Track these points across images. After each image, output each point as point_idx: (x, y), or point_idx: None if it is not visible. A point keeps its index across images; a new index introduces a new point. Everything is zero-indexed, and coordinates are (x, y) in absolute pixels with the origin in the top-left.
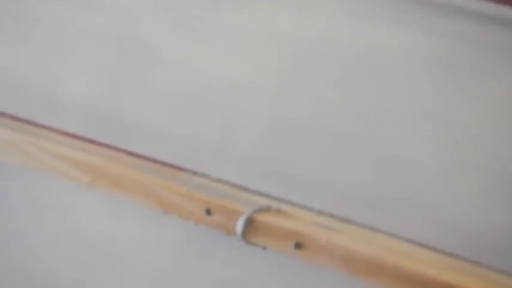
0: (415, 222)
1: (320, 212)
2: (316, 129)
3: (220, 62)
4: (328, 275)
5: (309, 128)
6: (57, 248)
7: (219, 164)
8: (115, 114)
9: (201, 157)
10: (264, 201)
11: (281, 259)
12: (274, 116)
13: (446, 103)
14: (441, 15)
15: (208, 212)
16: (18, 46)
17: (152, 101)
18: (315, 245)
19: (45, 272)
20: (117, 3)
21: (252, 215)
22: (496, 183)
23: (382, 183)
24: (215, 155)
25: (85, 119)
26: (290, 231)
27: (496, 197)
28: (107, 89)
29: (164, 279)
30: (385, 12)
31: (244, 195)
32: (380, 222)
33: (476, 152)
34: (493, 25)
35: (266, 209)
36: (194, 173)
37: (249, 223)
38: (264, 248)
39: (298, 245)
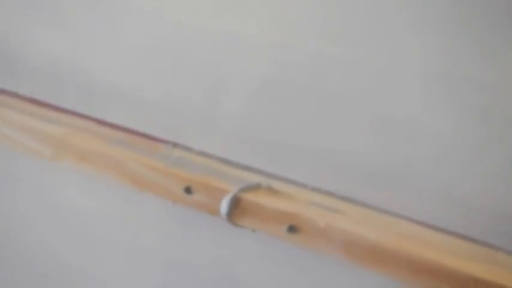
0: (426, 200)
1: (317, 190)
2: (314, 92)
3: (203, 14)
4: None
5: (306, 91)
6: (32, 225)
7: (202, 134)
8: (81, 76)
9: (182, 126)
10: (252, 178)
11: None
12: (266, 77)
13: (466, 62)
14: None
15: (188, 190)
16: None
17: (125, 60)
18: (311, 229)
19: (20, 249)
20: None
21: (238, 193)
22: None
23: (389, 155)
24: (197, 124)
25: (45, 80)
26: (282, 213)
27: None
28: (71, 46)
29: (146, 257)
30: None
31: (230, 170)
32: (386, 201)
33: (502, 119)
34: None
35: (255, 187)
36: (175, 145)
37: (235, 203)
38: (253, 230)
39: (292, 229)
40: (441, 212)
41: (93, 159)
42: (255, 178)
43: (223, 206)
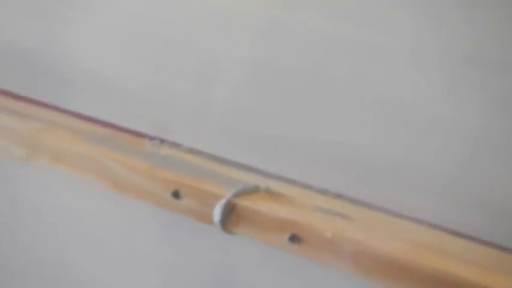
0: (447, 203)
1: (323, 192)
2: (316, 78)
3: None
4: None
5: (308, 77)
6: (20, 227)
7: (192, 128)
8: (55, 64)
9: (169, 120)
10: (249, 178)
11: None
12: (262, 62)
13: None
14: None
15: (176, 194)
16: None
17: (104, 47)
18: (316, 239)
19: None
20: None
21: (232, 199)
22: None
23: (407, 149)
24: (187, 117)
25: (15, 70)
26: (283, 221)
27: None
28: (43, 32)
29: (140, 260)
30: None
31: (224, 170)
32: (400, 203)
33: None
34: None
35: (252, 190)
36: (161, 141)
37: (230, 209)
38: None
39: (295, 238)
40: (465, 215)
41: (69, 160)
42: (251, 178)
43: (216, 213)
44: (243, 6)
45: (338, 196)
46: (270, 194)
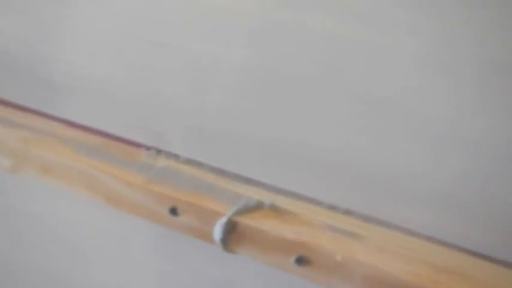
0: (471, 221)
1: (333, 208)
2: (322, 82)
3: None
4: None
5: (311, 81)
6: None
7: (190, 138)
8: (44, 68)
9: (166, 128)
10: (252, 192)
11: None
12: (261, 65)
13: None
14: None
15: (173, 211)
16: None
17: (95, 50)
18: (325, 261)
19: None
20: None
21: (234, 217)
22: None
23: (423, 164)
24: (185, 126)
25: (1, 74)
26: (289, 242)
27: None
28: (31, 33)
29: (136, 271)
30: None
31: (226, 184)
32: (415, 221)
33: None
34: None
35: (255, 207)
36: (158, 151)
37: (231, 228)
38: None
39: (302, 261)
40: (483, 234)
41: (59, 172)
42: (255, 193)
43: (217, 232)
44: (239, 6)
45: (348, 212)
46: (274, 210)
